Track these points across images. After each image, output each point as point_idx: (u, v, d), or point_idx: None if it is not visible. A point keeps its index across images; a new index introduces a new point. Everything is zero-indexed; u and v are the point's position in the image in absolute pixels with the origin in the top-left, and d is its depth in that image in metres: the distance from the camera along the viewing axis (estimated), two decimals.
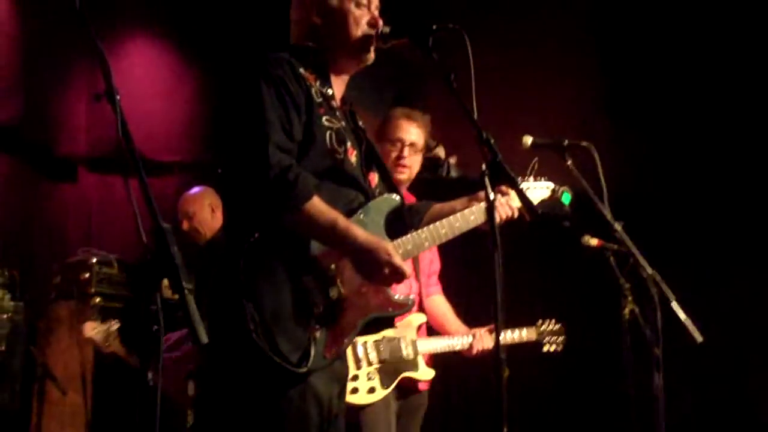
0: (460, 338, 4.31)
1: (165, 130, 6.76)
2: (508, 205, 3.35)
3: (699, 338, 3.55)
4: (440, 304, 4.48)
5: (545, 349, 4.65)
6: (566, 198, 3.77)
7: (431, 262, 4.43)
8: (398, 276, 2.81)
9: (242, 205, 2.78)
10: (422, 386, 4.23)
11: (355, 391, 3.87)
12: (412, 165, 4.31)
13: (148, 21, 6.77)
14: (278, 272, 2.71)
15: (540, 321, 4.63)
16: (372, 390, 3.93)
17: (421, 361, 4.16)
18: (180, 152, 6.83)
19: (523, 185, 3.60)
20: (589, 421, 6.27)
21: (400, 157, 4.26)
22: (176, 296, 1.77)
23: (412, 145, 4.30)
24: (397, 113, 4.37)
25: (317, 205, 2.73)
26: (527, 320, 4.77)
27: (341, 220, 2.77)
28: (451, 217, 3.25)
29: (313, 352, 2.70)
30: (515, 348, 4.61)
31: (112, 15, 6.29)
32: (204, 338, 1.78)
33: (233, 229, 2.82)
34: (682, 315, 3.56)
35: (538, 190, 3.77)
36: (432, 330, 4.39)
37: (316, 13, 3.03)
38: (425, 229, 3.17)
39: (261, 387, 2.72)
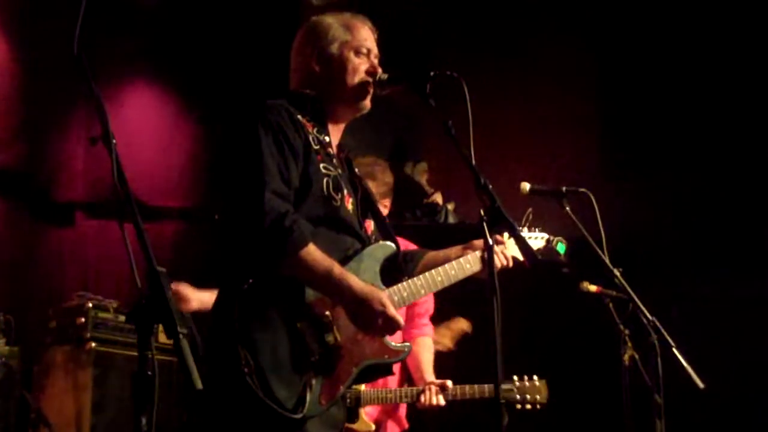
0: (407, 390, 4.21)
1: (162, 176, 6.78)
2: (502, 253, 3.33)
3: (701, 385, 3.52)
4: (423, 348, 4.41)
5: (518, 407, 4.35)
6: (561, 248, 3.75)
7: (424, 302, 4.39)
8: (392, 326, 2.82)
9: (237, 251, 2.79)
10: None
11: None
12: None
13: (146, 68, 6.82)
14: (273, 318, 2.71)
15: (515, 377, 4.37)
16: None
17: (363, 413, 4.10)
18: (177, 198, 6.84)
19: (531, 235, 3.58)
20: None
21: None
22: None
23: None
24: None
25: (312, 252, 2.74)
26: (524, 367, 4.72)
27: (336, 269, 2.78)
28: (446, 265, 3.22)
29: (308, 399, 2.69)
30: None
31: (111, 62, 6.33)
32: (199, 384, 1.76)
33: (228, 274, 2.81)
34: (683, 361, 3.54)
35: (533, 240, 3.73)
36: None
37: (315, 61, 3.06)
38: (421, 276, 3.15)
39: None
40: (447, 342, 4.96)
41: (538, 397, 4.40)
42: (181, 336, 1.74)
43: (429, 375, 4.34)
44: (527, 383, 4.38)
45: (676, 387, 3.55)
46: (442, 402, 4.26)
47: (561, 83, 6.49)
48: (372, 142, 5.91)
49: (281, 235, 2.66)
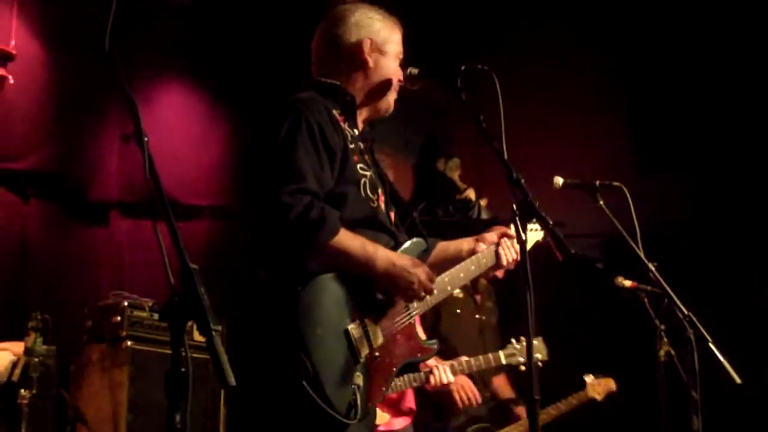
0: (416, 375, 4.22)
1: (196, 175, 6.80)
2: (513, 248, 3.34)
3: (737, 380, 3.49)
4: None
5: (523, 369, 4.50)
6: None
7: None
8: (426, 290, 2.89)
9: (279, 252, 2.77)
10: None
11: None
12: None
13: (179, 65, 6.85)
14: (325, 322, 2.72)
15: (513, 340, 4.55)
16: None
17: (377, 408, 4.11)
18: (210, 197, 6.87)
19: (529, 226, 3.54)
20: None
21: None
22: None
23: None
24: None
25: (344, 237, 2.75)
26: (560, 364, 4.71)
27: (369, 246, 2.82)
28: (467, 261, 3.29)
29: (359, 402, 2.72)
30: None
31: (143, 61, 6.37)
32: (232, 380, 1.76)
33: (274, 276, 2.80)
34: (719, 356, 3.50)
35: (537, 232, 3.72)
36: None
37: (369, 52, 3.04)
38: (447, 274, 3.20)
39: None
40: (598, 395, 5.16)
41: (539, 355, 4.55)
42: (213, 333, 1.74)
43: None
44: (524, 344, 4.45)
45: (712, 382, 3.52)
46: (452, 378, 4.32)
47: (593, 78, 6.46)
48: (404, 139, 5.91)
49: (311, 228, 2.66)
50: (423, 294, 2.90)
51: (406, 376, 4.19)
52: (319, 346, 2.67)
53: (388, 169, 4.21)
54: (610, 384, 5.35)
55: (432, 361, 4.27)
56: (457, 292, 5.00)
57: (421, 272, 2.88)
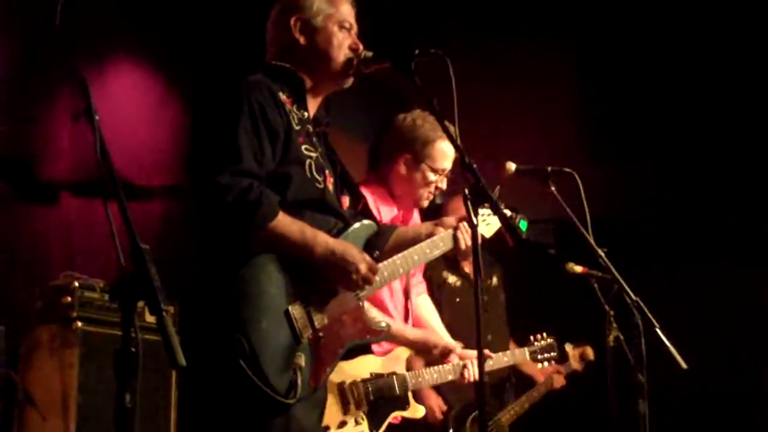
0: (450, 367, 4.11)
1: (149, 155, 6.73)
2: (466, 232, 3.38)
3: (683, 365, 3.55)
4: (425, 309, 4.36)
5: (539, 366, 4.70)
6: (523, 225, 3.77)
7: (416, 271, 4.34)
8: (365, 280, 2.88)
9: (219, 233, 2.77)
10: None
11: None
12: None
13: (132, 44, 6.75)
14: (266, 303, 2.72)
15: (532, 338, 4.63)
16: None
17: (411, 398, 3.98)
18: (164, 176, 6.81)
19: (483, 212, 3.55)
20: None
21: (437, 187, 4.11)
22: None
23: (445, 171, 4.12)
24: (443, 139, 4.04)
25: (282, 221, 2.75)
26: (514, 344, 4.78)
27: (308, 231, 2.81)
28: (423, 244, 3.31)
29: (299, 383, 2.71)
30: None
31: (95, 40, 6.27)
32: (182, 361, 1.76)
33: (214, 256, 2.80)
34: (666, 341, 3.57)
35: (485, 219, 3.74)
36: None
37: (299, 31, 3.03)
38: (399, 256, 3.22)
39: (246, 416, 2.71)
40: (578, 365, 5.39)
41: (554, 353, 4.70)
42: (164, 313, 1.74)
43: (450, 339, 4.23)
44: (543, 342, 4.66)
45: (660, 367, 3.58)
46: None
47: (546, 64, 6.49)
48: (358, 121, 5.90)
49: (248, 210, 2.66)
50: (362, 284, 2.90)
51: (440, 368, 4.08)
52: (258, 326, 2.68)
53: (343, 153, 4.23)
54: (588, 353, 5.43)
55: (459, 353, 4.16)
56: (453, 280, 5.02)
57: (361, 262, 2.87)
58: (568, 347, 5.37)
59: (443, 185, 4.14)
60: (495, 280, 5.36)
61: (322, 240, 2.82)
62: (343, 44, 3.03)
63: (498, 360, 4.38)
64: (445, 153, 4.06)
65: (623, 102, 6.56)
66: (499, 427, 4.95)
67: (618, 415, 3.99)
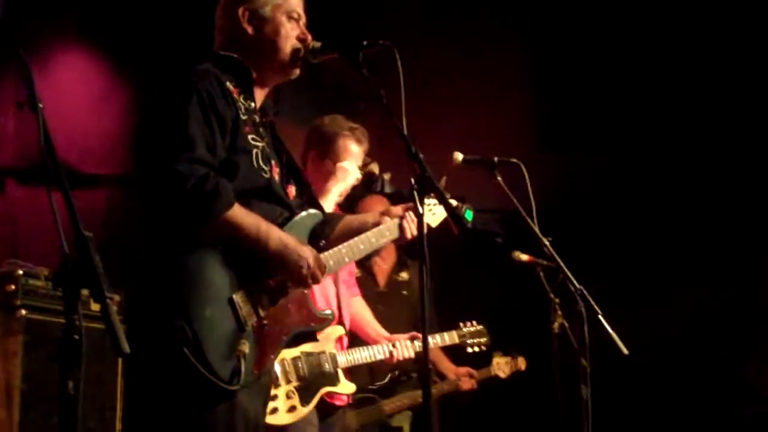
0: (380, 347, 4.36)
1: (96, 143, 6.67)
2: (413, 221, 3.42)
3: (624, 351, 3.63)
4: (358, 307, 4.53)
5: (469, 350, 4.82)
6: (469, 215, 3.82)
7: (349, 264, 4.37)
8: (313, 278, 2.90)
9: (168, 221, 2.76)
10: (340, 402, 4.18)
11: (274, 411, 3.77)
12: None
13: (78, 33, 6.67)
14: (209, 289, 2.72)
15: (461, 323, 4.77)
16: (292, 408, 3.86)
17: (342, 375, 4.13)
18: (110, 165, 6.75)
19: (429, 201, 3.60)
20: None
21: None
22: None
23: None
24: (346, 134, 4.22)
25: (238, 212, 2.75)
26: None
27: (263, 224, 2.81)
28: (368, 233, 3.33)
29: (243, 369, 2.71)
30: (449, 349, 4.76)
31: (41, 27, 6.18)
32: (126, 348, 1.76)
33: (160, 244, 2.79)
34: (608, 328, 3.64)
35: (430, 208, 3.78)
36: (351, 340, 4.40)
37: (247, 21, 3.01)
38: (345, 245, 3.24)
39: (189, 403, 2.71)
40: (503, 373, 5.47)
41: (483, 339, 4.88)
42: (107, 300, 1.74)
43: (381, 329, 4.51)
44: (472, 328, 4.84)
45: (604, 354, 3.65)
46: (413, 354, 4.40)
47: (496, 54, 6.53)
48: (308, 112, 5.89)
49: (205, 199, 2.66)
50: (310, 281, 2.91)
51: (368, 348, 4.32)
52: (202, 313, 2.68)
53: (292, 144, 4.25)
54: (520, 364, 5.53)
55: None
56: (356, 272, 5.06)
57: (311, 257, 2.89)
58: (497, 356, 5.46)
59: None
60: (405, 275, 5.45)
61: (276, 234, 2.83)
62: (290, 35, 3.03)
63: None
64: (346, 148, 4.19)
65: (576, 92, 6.62)
66: (380, 412, 5.00)
67: (563, 401, 4.05)
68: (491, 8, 6.43)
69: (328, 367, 4.02)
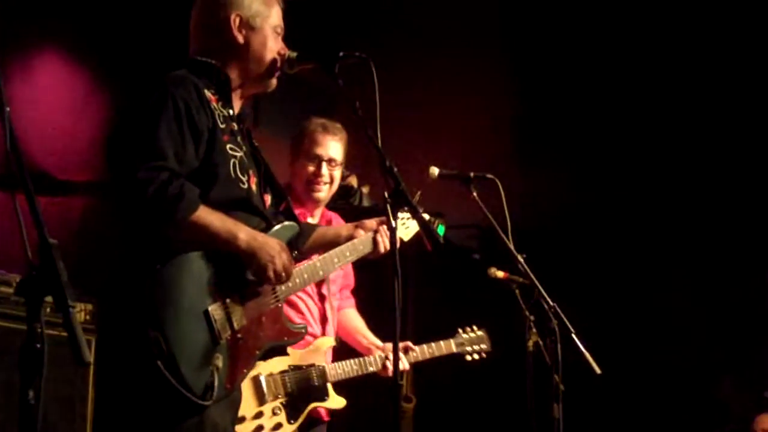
0: (371, 359, 4.14)
1: (73, 150, 6.61)
2: (385, 235, 3.42)
3: (597, 370, 3.63)
4: (352, 318, 4.36)
5: (468, 358, 4.51)
6: (441, 230, 3.81)
7: (345, 276, 4.34)
8: (282, 275, 2.87)
9: (139, 229, 2.74)
10: (326, 416, 4.08)
11: (260, 429, 3.68)
12: (331, 182, 4.13)
13: (56, 38, 6.64)
14: (183, 302, 2.70)
15: (460, 329, 4.50)
16: (278, 426, 3.74)
17: (331, 389, 4.01)
18: (87, 172, 6.70)
19: (402, 215, 3.56)
20: None
21: (317, 174, 4.07)
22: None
23: (330, 161, 4.10)
24: (312, 126, 4.14)
25: (204, 213, 2.73)
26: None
27: (229, 222, 2.79)
28: (343, 247, 3.36)
29: (216, 384, 2.70)
30: (423, 370, 4.56)
31: (21, 33, 6.15)
32: (88, 357, 1.74)
33: (135, 254, 2.77)
34: (581, 347, 3.64)
35: (403, 222, 3.75)
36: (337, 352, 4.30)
37: (238, 29, 2.98)
38: (319, 258, 3.26)
39: (160, 415, 2.69)
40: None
41: (483, 346, 4.54)
42: (70, 309, 1.72)
43: (374, 338, 4.25)
44: (473, 334, 4.50)
45: (578, 373, 3.64)
46: (407, 366, 4.26)
47: (475, 68, 6.55)
48: (287, 123, 5.88)
49: (169, 203, 2.64)
50: (283, 275, 2.88)
51: (360, 360, 4.10)
52: (176, 325, 2.66)
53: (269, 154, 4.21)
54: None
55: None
56: None
57: (284, 254, 2.88)
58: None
59: (335, 175, 4.13)
60: None
61: (244, 229, 2.81)
62: (273, 49, 3.02)
63: (423, 351, 4.33)
64: (315, 140, 4.10)
65: (554, 110, 6.64)
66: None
67: (537, 420, 4.04)
68: (470, 21, 6.44)
69: (316, 381, 3.91)
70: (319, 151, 4.09)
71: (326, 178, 4.10)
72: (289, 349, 3.74)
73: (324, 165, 4.09)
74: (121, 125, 2.83)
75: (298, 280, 3.07)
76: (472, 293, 6.20)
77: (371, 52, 2.86)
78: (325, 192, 4.12)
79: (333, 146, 4.12)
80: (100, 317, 2.91)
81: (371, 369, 4.13)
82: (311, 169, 4.08)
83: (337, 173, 4.17)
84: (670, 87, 6.44)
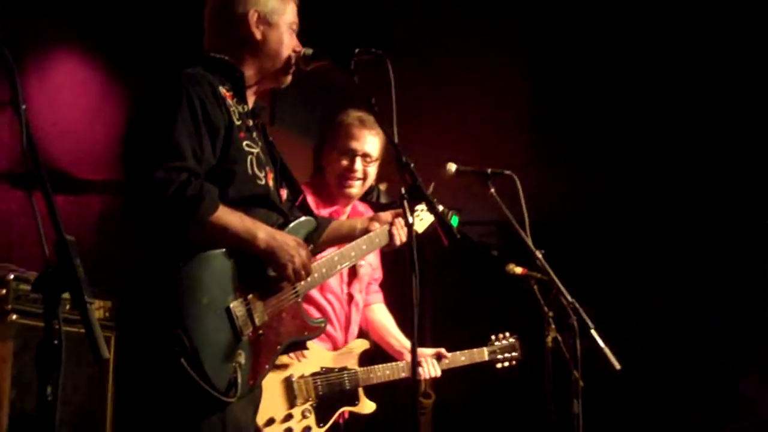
0: (403, 365, 4.05)
1: (91, 149, 6.64)
2: (402, 228, 3.42)
3: (617, 365, 3.61)
4: (380, 314, 4.30)
5: (498, 366, 4.49)
6: (455, 221, 3.79)
7: (373, 269, 4.26)
8: (301, 273, 2.88)
9: (161, 230, 2.73)
10: (346, 414, 4.01)
11: (288, 431, 3.67)
12: (365, 178, 4.01)
13: (73, 37, 6.66)
14: (205, 299, 2.70)
15: (493, 336, 4.47)
16: (307, 429, 3.72)
17: (362, 394, 3.96)
18: (106, 171, 6.73)
19: (416, 207, 3.53)
20: None
21: (350, 169, 3.97)
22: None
23: (365, 155, 3.99)
24: (349, 119, 4.01)
25: (223, 213, 2.72)
26: (455, 344, 4.76)
27: (248, 221, 2.79)
28: (359, 240, 3.36)
29: (239, 380, 2.70)
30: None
31: (35, 31, 6.17)
32: (105, 353, 1.74)
33: (156, 252, 2.77)
34: (600, 343, 3.62)
35: (428, 212, 3.70)
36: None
37: (256, 25, 2.98)
38: (337, 252, 3.25)
39: (183, 412, 2.69)
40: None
41: (515, 354, 4.52)
42: (88, 305, 1.72)
43: (405, 339, 4.16)
44: (505, 342, 4.48)
45: (597, 369, 3.63)
46: (439, 373, 4.21)
47: (492, 65, 6.53)
48: (304, 120, 5.89)
49: (189, 205, 2.63)
50: (302, 272, 2.89)
51: (392, 365, 4.03)
52: (199, 323, 2.66)
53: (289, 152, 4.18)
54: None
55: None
56: None
57: (302, 251, 2.89)
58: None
59: (369, 171, 4.03)
60: None
61: (263, 226, 2.82)
62: (289, 45, 3.03)
63: (454, 359, 4.29)
64: (351, 133, 3.98)
65: (573, 108, 6.62)
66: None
67: (556, 416, 4.02)
68: (490, 19, 6.42)
69: (348, 385, 3.87)
70: (354, 145, 3.97)
71: (360, 174, 3.98)
72: (323, 351, 3.78)
73: (358, 160, 3.96)
74: (136, 124, 2.82)
75: (316, 275, 3.07)
76: (491, 290, 6.20)
77: (387, 49, 2.86)
78: (357, 188, 4.02)
79: (370, 141, 3.98)
80: (119, 314, 2.90)
81: (403, 375, 4.05)
82: (344, 163, 3.97)
83: (372, 169, 4.04)
84: (695, 82, 6.39)
